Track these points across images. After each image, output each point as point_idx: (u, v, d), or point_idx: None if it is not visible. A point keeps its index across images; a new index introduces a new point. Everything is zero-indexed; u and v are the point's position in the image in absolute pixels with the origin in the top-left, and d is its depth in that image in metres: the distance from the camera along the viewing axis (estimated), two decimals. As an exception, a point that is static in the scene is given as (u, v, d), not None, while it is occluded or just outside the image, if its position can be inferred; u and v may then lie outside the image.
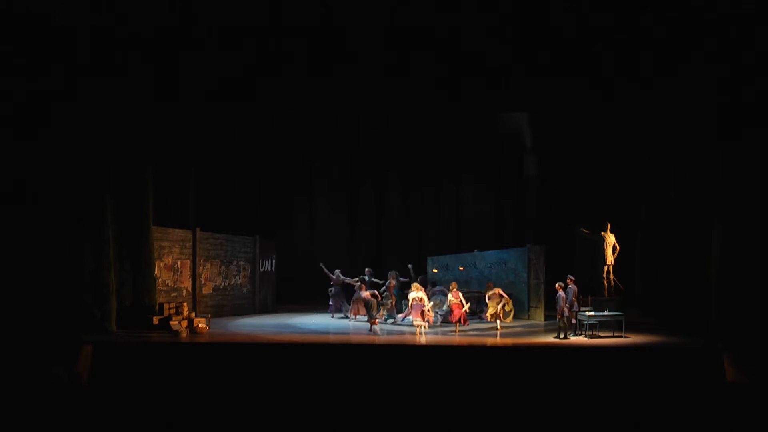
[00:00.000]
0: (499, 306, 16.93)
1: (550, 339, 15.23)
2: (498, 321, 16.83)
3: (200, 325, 16.19)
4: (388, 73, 15.33)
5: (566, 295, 15.23)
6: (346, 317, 18.70)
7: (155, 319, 16.22)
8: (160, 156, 17.70)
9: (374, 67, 15.28)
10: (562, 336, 15.02)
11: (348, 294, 19.23)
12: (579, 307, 15.56)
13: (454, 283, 17.06)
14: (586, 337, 15.11)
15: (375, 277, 19.34)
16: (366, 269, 19.75)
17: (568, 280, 15.50)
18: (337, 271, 19.68)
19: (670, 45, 14.54)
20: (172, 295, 18.15)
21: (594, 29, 14.56)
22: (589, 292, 17.52)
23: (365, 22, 14.67)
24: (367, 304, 16.74)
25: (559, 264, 20.22)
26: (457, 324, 16.26)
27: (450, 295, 16.62)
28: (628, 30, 14.47)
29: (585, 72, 15.08)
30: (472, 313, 18.11)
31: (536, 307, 18.66)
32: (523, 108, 19.80)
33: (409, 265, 19.85)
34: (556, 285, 15.47)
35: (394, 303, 18.21)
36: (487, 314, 17.20)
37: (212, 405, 12.59)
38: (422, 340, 15.23)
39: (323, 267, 19.75)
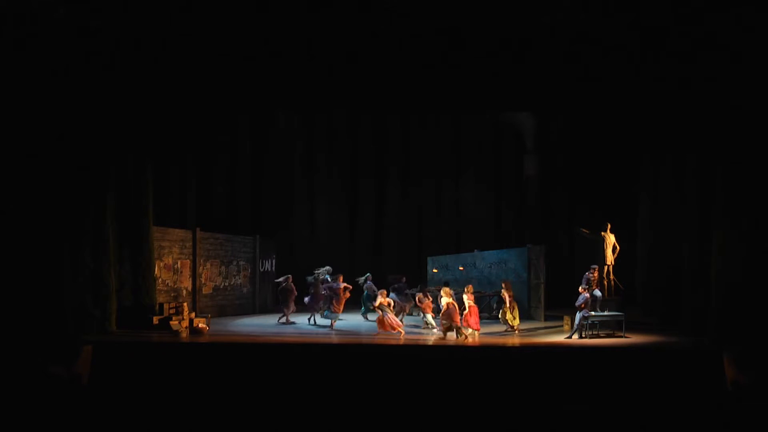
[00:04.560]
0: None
1: (550, 339, 15.25)
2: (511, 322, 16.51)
3: (200, 325, 16.18)
4: (387, 72, 15.37)
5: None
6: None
7: (155, 319, 16.22)
8: (160, 156, 17.70)
9: (374, 67, 15.33)
10: (584, 334, 15.01)
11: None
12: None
13: (469, 286, 16.51)
14: (585, 337, 15.12)
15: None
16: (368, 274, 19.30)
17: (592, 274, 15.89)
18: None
19: (670, 45, 14.56)
20: (172, 295, 18.15)
21: (593, 28, 14.60)
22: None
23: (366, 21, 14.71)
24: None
25: (559, 264, 20.27)
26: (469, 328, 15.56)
27: (465, 297, 15.84)
28: (627, 29, 14.49)
29: (585, 71, 15.11)
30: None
31: (536, 307, 18.66)
32: (523, 108, 19.86)
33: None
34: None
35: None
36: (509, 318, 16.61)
37: (212, 405, 12.59)
38: (473, 341, 14.92)
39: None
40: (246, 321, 18.75)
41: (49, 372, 12.26)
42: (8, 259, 14.02)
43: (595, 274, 16.26)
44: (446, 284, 18.36)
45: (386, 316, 15.51)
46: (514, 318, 16.41)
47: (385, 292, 16.28)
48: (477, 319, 15.56)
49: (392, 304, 16.26)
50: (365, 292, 18.72)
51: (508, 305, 16.44)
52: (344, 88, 16.00)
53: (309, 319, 17.76)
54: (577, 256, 20.40)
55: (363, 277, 18.87)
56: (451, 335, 15.03)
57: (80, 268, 15.05)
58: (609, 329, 15.42)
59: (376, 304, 15.86)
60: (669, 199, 16.75)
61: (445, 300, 15.30)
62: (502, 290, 16.84)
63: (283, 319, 17.81)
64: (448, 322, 15.04)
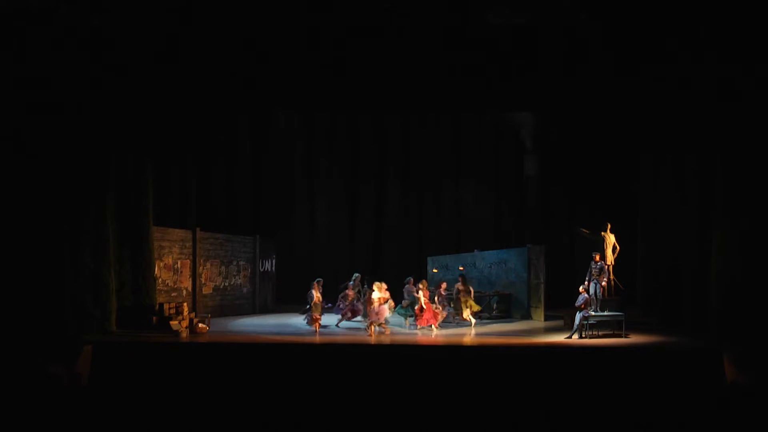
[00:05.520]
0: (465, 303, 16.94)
1: (550, 339, 15.25)
2: (472, 319, 16.83)
3: (200, 325, 16.18)
4: (388, 72, 15.38)
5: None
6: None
7: (155, 319, 16.21)
8: (160, 156, 17.70)
9: (374, 67, 15.34)
10: (584, 334, 15.02)
11: None
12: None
13: (423, 282, 16.58)
14: (585, 337, 15.11)
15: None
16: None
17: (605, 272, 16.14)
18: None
19: (670, 43, 14.57)
20: (172, 295, 18.14)
21: (593, 27, 14.63)
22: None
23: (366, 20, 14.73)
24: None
25: (559, 264, 20.25)
26: (426, 326, 15.85)
27: (420, 294, 15.95)
28: (627, 29, 14.51)
29: (585, 71, 15.13)
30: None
31: (536, 307, 18.67)
32: (523, 108, 19.85)
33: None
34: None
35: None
36: (463, 315, 17.01)
37: (212, 405, 12.60)
38: (383, 339, 15.01)
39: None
40: (246, 321, 18.74)
41: (49, 372, 12.27)
42: (8, 259, 14.04)
43: (597, 257, 16.36)
44: (410, 280, 18.04)
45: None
46: (466, 308, 16.79)
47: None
48: (430, 316, 15.81)
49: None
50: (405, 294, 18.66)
51: (462, 300, 16.90)
52: (344, 88, 16.02)
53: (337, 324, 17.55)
54: (577, 256, 20.38)
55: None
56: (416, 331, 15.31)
57: (80, 268, 15.04)
58: (609, 329, 15.42)
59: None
60: (669, 199, 16.74)
61: (375, 295, 15.55)
62: (458, 284, 17.28)
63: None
64: (376, 317, 15.34)
